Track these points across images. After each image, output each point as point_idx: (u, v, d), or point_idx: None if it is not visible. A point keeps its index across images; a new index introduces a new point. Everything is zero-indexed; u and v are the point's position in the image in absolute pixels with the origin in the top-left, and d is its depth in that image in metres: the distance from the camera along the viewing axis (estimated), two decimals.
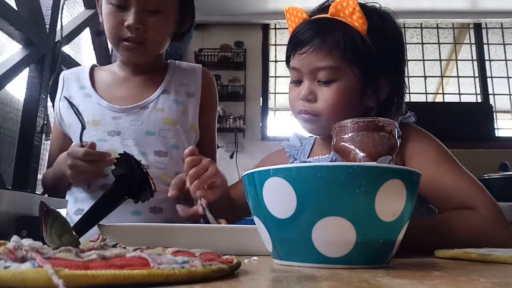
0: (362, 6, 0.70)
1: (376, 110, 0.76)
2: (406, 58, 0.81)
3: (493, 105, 3.45)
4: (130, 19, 0.86)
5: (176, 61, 1.06)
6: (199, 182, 0.72)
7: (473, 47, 3.80)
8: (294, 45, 0.74)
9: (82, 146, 0.81)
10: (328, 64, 0.70)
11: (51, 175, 0.94)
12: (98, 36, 1.01)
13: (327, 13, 0.72)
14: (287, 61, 0.79)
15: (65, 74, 1.03)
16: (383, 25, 0.73)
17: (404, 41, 0.79)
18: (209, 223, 0.69)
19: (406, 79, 0.81)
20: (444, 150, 0.72)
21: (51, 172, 0.95)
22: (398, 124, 0.73)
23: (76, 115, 0.81)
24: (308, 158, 0.85)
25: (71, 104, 0.81)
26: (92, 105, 0.94)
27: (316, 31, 0.71)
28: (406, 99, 0.80)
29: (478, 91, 3.71)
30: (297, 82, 0.76)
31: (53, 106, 1.13)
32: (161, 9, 0.90)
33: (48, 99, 1.59)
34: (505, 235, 0.63)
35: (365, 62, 0.71)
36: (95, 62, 1.96)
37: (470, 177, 0.69)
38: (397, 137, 0.70)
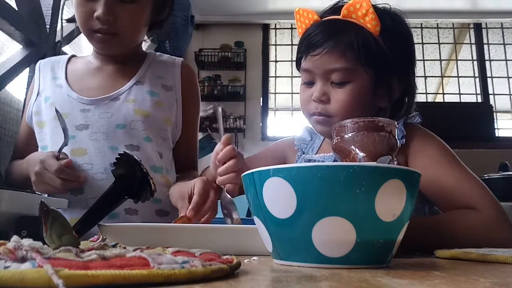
0: (374, 8, 0.70)
1: (388, 110, 0.76)
2: (416, 58, 0.81)
3: (493, 105, 3.45)
4: (99, 9, 0.81)
5: (157, 53, 1.02)
6: (234, 177, 0.69)
7: (473, 47, 3.80)
8: (307, 47, 0.73)
9: (58, 158, 0.77)
10: (342, 66, 0.70)
11: (18, 172, 0.89)
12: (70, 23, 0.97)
13: (339, 15, 0.72)
14: (298, 63, 0.78)
15: (41, 64, 0.99)
16: (395, 26, 0.73)
17: (414, 41, 0.79)
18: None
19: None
20: (447, 150, 0.72)
21: (17, 168, 0.90)
22: (403, 124, 0.73)
23: (63, 130, 0.78)
24: (316, 154, 0.84)
25: (60, 118, 0.78)
26: (61, 97, 0.89)
27: (329, 33, 0.71)
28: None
29: (478, 91, 3.71)
30: (308, 83, 0.75)
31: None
32: None
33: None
34: (507, 235, 0.62)
35: (379, 63, 0.71)
36: None
37: (473, 177, 0.68)
38: (400, 136, 0.71)
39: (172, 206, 0.89)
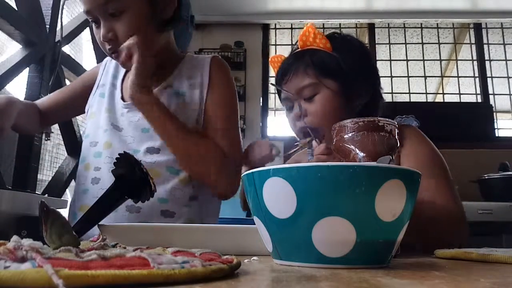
0: (325, 35, 0.85)
1: (360, 111, 0.86)
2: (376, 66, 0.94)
3: (493, 105, 3.44)
4: (100, 33, 0.87)
5: (194, 55, 1.05)
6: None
7: (473, 47, 3.80)
8: (280, 78, 0.88)
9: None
10: (307, 82, 0.83)
11: None
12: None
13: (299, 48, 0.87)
14: (280, 98, 0.92)
15: (108, 60, 1.07)
16: (344, 41, 0.87)
17: (367, 50, 0.94)
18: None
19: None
20: (435, 156, 0.79)
21: None
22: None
23: None
24: None
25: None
26: (112, 97, 0.98)
27: (292, 61, 0.86)
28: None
29: (478, 91, 3.71)
30: (290, 109, 0.89)
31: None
32: (122, 8, 0.84)
33: None
34: (461, 228, 0.71)
35: (337, 72, 0.83)
36: (95, 62, 1.96)
37: (448, 188, 0.74)
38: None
39: (179, 208, 0.89)
